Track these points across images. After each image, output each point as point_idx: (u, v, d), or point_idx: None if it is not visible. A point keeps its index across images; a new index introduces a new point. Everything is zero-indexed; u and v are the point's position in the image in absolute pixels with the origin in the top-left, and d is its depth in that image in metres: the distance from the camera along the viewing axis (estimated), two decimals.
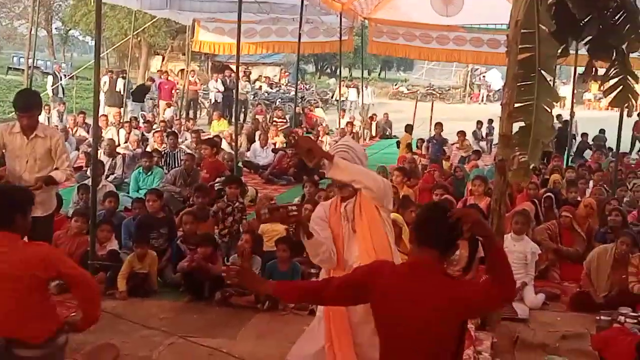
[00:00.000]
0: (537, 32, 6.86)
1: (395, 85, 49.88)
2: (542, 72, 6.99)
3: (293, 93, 24.07)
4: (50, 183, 6.71)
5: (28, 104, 6.71)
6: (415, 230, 3.60)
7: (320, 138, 19.67)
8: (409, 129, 19.23)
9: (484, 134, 22.45)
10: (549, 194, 10.81)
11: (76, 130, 18.09)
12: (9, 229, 4.20)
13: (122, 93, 22.11)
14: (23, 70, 28.48)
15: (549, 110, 7.12)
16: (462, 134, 19.31)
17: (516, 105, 6.91)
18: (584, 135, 20.78)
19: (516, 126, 7.06)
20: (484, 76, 47.92)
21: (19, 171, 6.62)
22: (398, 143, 19.40)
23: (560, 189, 12.01)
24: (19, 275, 4.09)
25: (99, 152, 10.76)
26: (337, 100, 26.86)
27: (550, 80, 7.37)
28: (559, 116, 18.54)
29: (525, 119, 6.93)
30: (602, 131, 21.68)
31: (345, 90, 29.17)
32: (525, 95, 6.98)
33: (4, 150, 6.80)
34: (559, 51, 7.29)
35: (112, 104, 21.83)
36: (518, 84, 6.93)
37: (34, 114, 6.70)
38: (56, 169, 6.79)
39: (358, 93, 28.33)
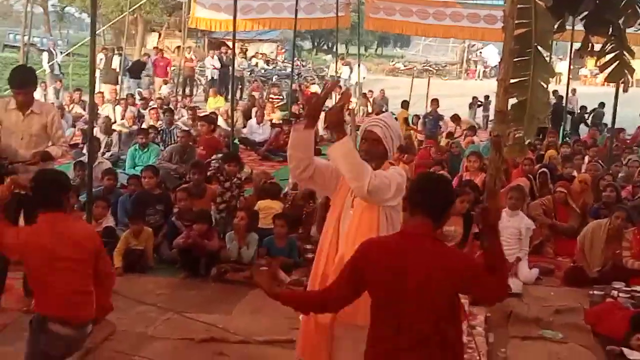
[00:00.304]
0: (534, 7, 6.82)
1: (392, 61, 49.71)
2: (539, 47, 6.96)
3: (289, 70, 24.00)
4: (47, 158, 6.68)
5: (23, 80, 6.68)
6: (410, 198, 3.57)
7: None
8: (405, 105, 19.20)
9: (479, 110, 22.43)
10: (543, 169, 10.83)
11: (72, 107, 18.06)
12: (61, 210, 4.45)
13: (117, 70, 22.02)
14: (19, 47, 28.38)
15: (545, 86, 7.11)
16: (456, 118, 19.05)
17: (512, 80, 6.86)
18: (583, 108, 20.70)
19: (512, 102, 7.05)
20: (480, 52, 47.67)
21: (15, 147, 6.59)
22: (395, 119, 19.34)
23: (555, 165, 12.03)
24: (76, 259, 4.39)
25: (95, 129, 10.74)
26: (333, 77, 26.75)
27: (546, 55, 7.35)
28: (554, 92, 18.48)
29: (521, 94, 6.91)
30: (601, 105, 21.63)
31: (340, 67, 29.05)
32: (521, 70, 6.95)
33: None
34: (556, 26, 7.27)
35: (107, 81, 21.74)
36: (514, 60, 6.89)
37: (30, 90, 6.68)
38: (52, 145, 6.78)
39: (351, 70, 28.21)
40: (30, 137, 6.65)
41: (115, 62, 22.20)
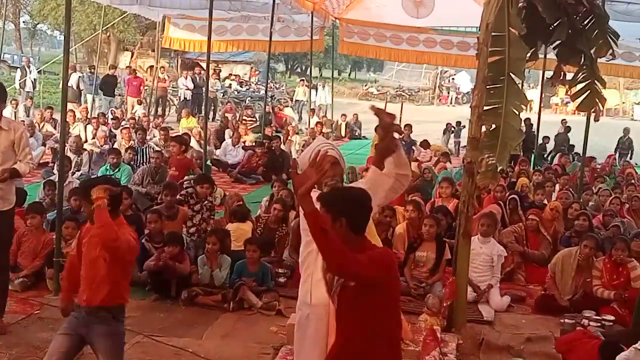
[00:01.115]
0: (507, 35, 6.90)
1: (365, 85, 49.99)
2: (512, 75, 7.02)
3: (263, 92, 23.99)
4: (15, 175, 6.60)
5: None
6: (356, 219, 3.83)
7: (289, 137, 19.65)
8: (378, 130, 19.18)
9: (452, 136, 22.57)
10: (513, 196, 10.90)
11: (43, 126, 17.88)
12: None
13: (77, 88, 21.81)
14: None
15: (518, 114, 7.17)
16: (425, 144, 19.01)
17: (485, 107, 6.95)
18: (545, 138, 20.91)
19: (485, 129, 7.09)
20: (453, 78, 48.18)
21: None
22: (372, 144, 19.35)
23: (527, 192, 12.10)
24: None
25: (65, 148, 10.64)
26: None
27: (519, 83, 7.42)
28: (526, 119, 18.65)
29: (494, 121, 6.96)
30: (567, 129, 21.89)
31: (305, 90, 29.11)
32: (495, 98, 7.01)
33: None
34: (529, 55, 7.35)
35: (70, 99, 21.55)
36: (487, 87, 6.97)
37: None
38: (19, 162, 6.68)
39: (316, 93, 28.29)
40: None
41: (73, 80, 21.97)
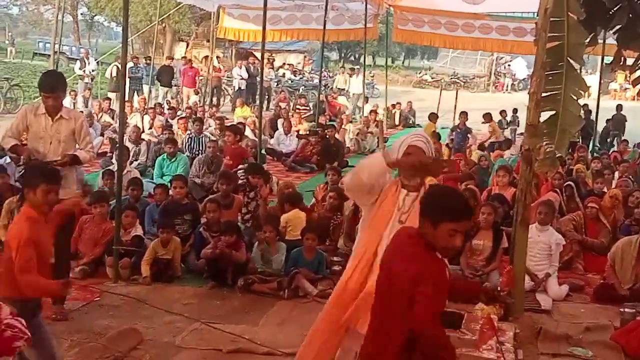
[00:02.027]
0: (566, 21, 6.79)
1: (419, 73, 49.63)
2: (571, 60, 6.92)
3: (316, 81, 24.01)
4: (75, 162, 6.72)
5: (53, 84, 6.70)
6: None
7: (343, 126, 19.63)
8: (432, 117, 19.11)
9: (508, 123, 22.28)
10: (569, 182, 10.73)
11: (101, 116, 18.18)
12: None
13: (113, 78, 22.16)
14: (49, 55, 28.66)
15: (577, 100, 7.06)
16: (488, 116, 19.12)
17: (544, 94, 6.84)
18: (608, 121, 20.48)
19: (544, 115, 6.99)
20: (509, 65, 47.50)
21: (43, 152, 6.63)
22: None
23: (584, 178, 11.92)
24: None
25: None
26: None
27: (578, 69, 7.30)
28: (584, 106, 18.32)
29: (553, 108, 6.87)
30: (619, 107, 21.45)
31: (346, 78, 28.97)
32: (553, 84, 6.92)
33: (25, 133, 6.83)
34: (588, 40, 7.22)
35: (113, 89, 21.95)
36: (546, 73, 6.86)
37: (58, 95, 6.69)
38: (79, 150, 6.82)
39: (348, 82, 28.09)
40: (58, 142, 6.67)
41: (113, 70, 22.34)
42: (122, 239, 8.08)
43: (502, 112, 22.26)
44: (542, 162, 6.93)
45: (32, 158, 6.57)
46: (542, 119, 6.98)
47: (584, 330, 7.00)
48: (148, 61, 23.98)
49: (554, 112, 6.89)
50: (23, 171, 7.13)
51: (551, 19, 6.79)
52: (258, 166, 10.95)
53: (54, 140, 6.67)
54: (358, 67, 32.37)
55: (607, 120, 20.01)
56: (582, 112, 7.61)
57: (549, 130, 6.88)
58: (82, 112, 15.70)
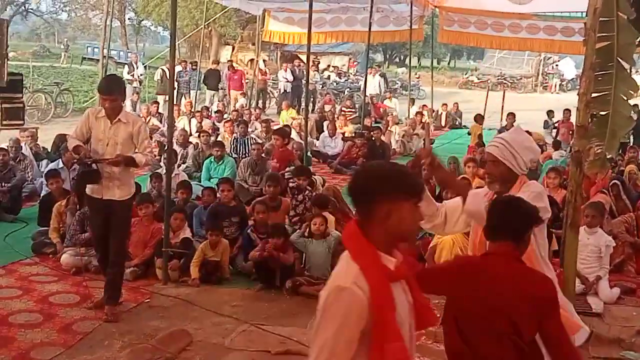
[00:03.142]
0: (616, 20, 6.69)
1: (465, 74, 49.31)
2: (620, 60, 6.82)
3: (361, 83, 23.99)
4: (130, 163, 6.84)
5: (110, 87, 6.87)
6: (488, 224, 3.57)
7: (389, 128, 19.60)
8: (479, 118, 18.95)
9: (555, 124, 21.97)
10: (615, 181, 10.58)
11: (149, 120, 18.39)
12: None
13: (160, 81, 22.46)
14: (97, 60, 29.14)
15: (627, 100, 6.95)
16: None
17: (593, 95, 6.75)
18: None
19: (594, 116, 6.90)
20: (557, 65, 46.91)
21: (101, 154, 6.79)
22: (468, 134, 19.15)
23: (636, 180, 11.72)
24: None
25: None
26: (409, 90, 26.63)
27: (628, 69, 7.19)
28: (635, 106, 17.99)
29: (603, 108, 6.78)
30: None
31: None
32: (603, 84, 6.82)
33: (88, 135, 6.96)
34: (638, 40, 7.10)
35: (160, 92, 22.26)
36: (595, 73, 6.77)
37: (116, 98, 6.83)
38: (137, 153, 6.94)
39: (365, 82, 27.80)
40: (115, 145, 6.80)
41: (157, 75, 22.69)
42: (171, 242, 8.18)
43: (550, 113, 21.98)
44: (592, 164, 6.85)
45: (87, 157, 6.76)
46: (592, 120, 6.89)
47: (636, 334, 6.90)
48: (194, 65, 24.21)
49: (604, 113, 6.79)
50: (79, 172, 7.31)
51: (600, 18, 6.69)
52: (303, 168, 10.99)
53: (111, 142, 6.81)
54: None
55: None
56: (632, 112, 7.48)
57: (599, 131, 6.79)
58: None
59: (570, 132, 16.88)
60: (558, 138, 17.24)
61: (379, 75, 27.09)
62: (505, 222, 3.50)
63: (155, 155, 14.61)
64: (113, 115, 6.80)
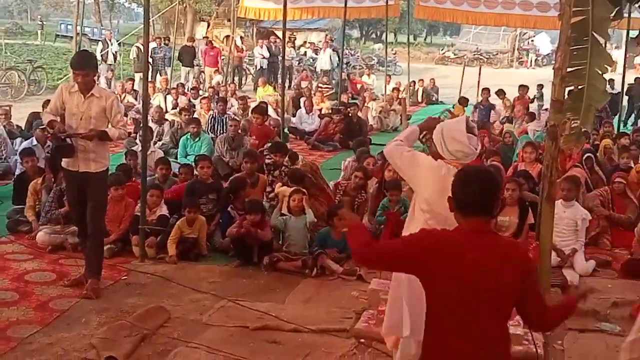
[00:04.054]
0: None
1: (442, 50, 49.30)
2: (596, 35, 6.82)
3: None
4: (103, 137, 6.90)
5: (82, 62, 6.91)
6: (460, 200, 3.39)
7: (366, 104, 19.58)
8: (463, 101, 18.78)
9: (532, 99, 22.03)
10: (588, 154, 10.67)
11: (124, 97, 18.24)
12: None
13: (138, 60, 22.21)
14: (71, 37, 28.71)
15: (602, 75, 6.98)
16: (501, 92, 19.06)
17: (569, 69, 6.76)
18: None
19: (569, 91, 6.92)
20: (532, 40, 47.05)
21: (75, 128, 6.83)
22: (449, 112, 19.04)
23: (611, 154, 11.83)
24: None
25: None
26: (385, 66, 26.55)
27: (603, 43, 7.20)
28: (610, 80, 18.12)
29: (578, 83, 6.79)
30: (637, 79, 21.17)
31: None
32: (578, 59, 6.82)
33: (62, 110, 7.00)
34: (613, 14, 7.11)
35: (136, 70, 22.05)
36: (571, 48, 6.78)
37: (88, 73, 6.85)
38: (111, 127, 6.99)
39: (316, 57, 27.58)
40: (89, 119, 6.84)
41: (132, 53, 22.45)
42: (147, 219, 8.15)
43: (522, 88, 22.00)
44: (568, 138, 6.86)
45: (60, 131, 6.78)
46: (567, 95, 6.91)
47: (611, 306, 6.98)
48: (169, 42, 23.99)
49: (579, 87, 6.81)
50: (53, 146, 7.34)
51: None
52: (282, 145, 10.97)
53: (85, 117, 6.85)
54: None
55: (626, 93, 19.63)
56: (607, 87, 7.52)
57: (574, 105, 6.80)
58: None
59: (526, 108, 17.03)
60: (512, 114, 17.28)
61: (331, 49, 26.83)
62: (482, 199, 3.36)
63: (130, 132, 14.52)
64: (86, 90, 6.83)
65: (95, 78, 7.31)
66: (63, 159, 6.97)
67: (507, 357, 3.38)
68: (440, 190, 4.31)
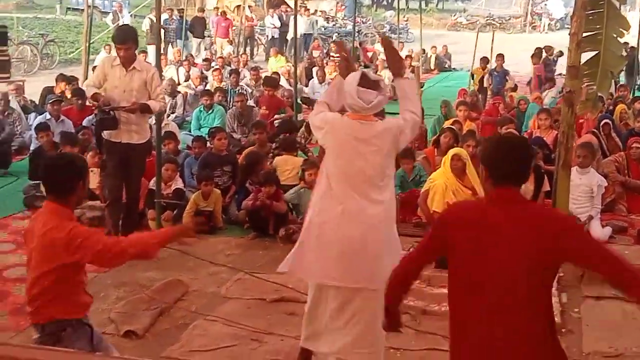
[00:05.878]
0: None
1: (454, 16, 48.81)
2: None
3: (350, 27, 23.71)
4: (145, 110, 7.18)
5: (123, 36, 7.24)
6: (494, 168, 3.33)
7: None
8: (483, 61, 18.61)
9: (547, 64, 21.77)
10: (606, 120, 10.55)
11: None
12: (64, 202, 4.03)
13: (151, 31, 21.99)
14: (82, 10, 28.60)
15: (618, 39, 6.91)
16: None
17: (585, 34, 6.69)
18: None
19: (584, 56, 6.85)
20: (545, 4, 46.50)
21: (117, 101, 7.10)
22: (472, 75, 18.86)
23: (627, 119, 11.72)
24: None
25: None
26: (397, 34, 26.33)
27: (619, 7, 7.12)
28: (626, 44, 17.88)
29: (594, 48, 6.73)
30: None
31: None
32: (594, 23, 6.77)
33: (104, 82, 7.24)
34: None
35: (148, 42, 21.89)
36: (586, 13, 6.70)
37: (130, 47, 7.14)
38: (151, 100, 7.23)
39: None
40: (131, 92, 7.12)
41: (145, 25, 22.24)
42: (163, 193, 8.16)
43: (538, 49, 21.71)
44: (584, 104, 6.83)
45: (106, 104, 7.05)
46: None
47: None
48: (181, 13, 23.86)
49: (595, 52, 6.74)
50: (97, 119, 7.53)
51: None
52: (290, 122, 11.04)
53: (127, 89, 7.13)
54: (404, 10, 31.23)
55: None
56: (623, 50, 7.44)
57: (590, 71, 6.76)
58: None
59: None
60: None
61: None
62: (516, 168, 3.30)
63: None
64: (127, 64, 7.11)
65: (137, 52, 7.58)
66: (104, 131, 7.19)
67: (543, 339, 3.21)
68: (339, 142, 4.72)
